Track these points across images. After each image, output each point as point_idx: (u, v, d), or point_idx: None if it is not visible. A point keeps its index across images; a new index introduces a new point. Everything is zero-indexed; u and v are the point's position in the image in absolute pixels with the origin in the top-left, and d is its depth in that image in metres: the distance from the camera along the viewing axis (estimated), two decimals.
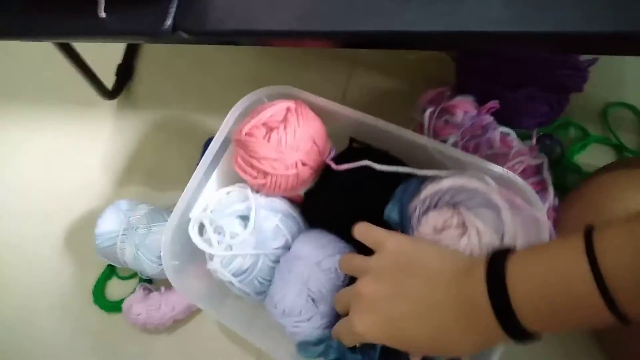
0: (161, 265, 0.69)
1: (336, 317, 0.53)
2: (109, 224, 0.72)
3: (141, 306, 0.71)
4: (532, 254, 0.36)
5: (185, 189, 0.59)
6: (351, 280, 0.53)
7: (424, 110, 0.64)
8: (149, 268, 0.70)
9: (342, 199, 0.57)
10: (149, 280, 0.78)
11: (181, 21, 0.46)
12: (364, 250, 0.57)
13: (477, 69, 0.64)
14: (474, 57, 0.64)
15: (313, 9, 0.42)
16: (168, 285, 0.74)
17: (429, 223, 0.48)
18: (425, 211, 0.50)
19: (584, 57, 0.63)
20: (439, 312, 0.39)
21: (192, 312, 0.74)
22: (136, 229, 0.70)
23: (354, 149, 0.62)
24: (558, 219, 0.58)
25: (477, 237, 0.46)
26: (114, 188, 0.86)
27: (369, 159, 0.56)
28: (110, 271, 0.80)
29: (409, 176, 0.57)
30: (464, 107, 0.61)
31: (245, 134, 0.55)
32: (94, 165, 0.88)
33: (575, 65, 0.62)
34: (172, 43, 0.49)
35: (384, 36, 0.41)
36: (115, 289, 0.80)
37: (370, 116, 0.55)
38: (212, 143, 0.59)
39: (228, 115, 0.58)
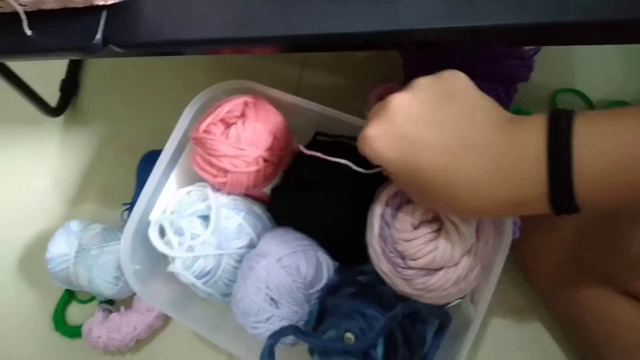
0: (118, 285, 0.67)
1: (298, 318, 0.52)
2: (59, 248, 0.69)
3: (101, 329, 0.69)
4: (606, 118, 0.31)
5: (143, 191, 0.57)
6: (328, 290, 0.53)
7: (373, 107, 0.64)
8: (106, 289, 0.68)
9: (307, 196, 0.56)
10: (110, 301, 0.75)
11: (112, 34, 0.45)
12: (332, 248, 0.57)
13: (424, 63, 0.64)
14: (420, 52, 0.64)
15: (247, 16, 0.41)
16: (129, 305, 0.72)
17: (406, 219, 0.47)
18: (399, 206, 0.49)
19: (529, 47, 0.63)
20: (473, 153, 0.33)
21: (155, 330, 0.72)
22: (88, 250, 0.68)
23: (319, 141, 0.60)
24: None
25: (455, 230, 0.46)
26: (67, 208, 0.83)
27: (337, 152, 0.57)
28: (69, 296, 0.78)
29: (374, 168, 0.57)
30: None
31: (203, 132, 0.54)
32: (44, 186, 0.85)
33: (520, 55, 0.63)
34: (105, 57, 0.47)
35: (320, 39, 0.40)
36: (76, 313, 0.78)
37: (332, 109, 0.54)
38: (169, 142, 0.57)
39: (184, 112, 0.57)
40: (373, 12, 0.39)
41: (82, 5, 0.44)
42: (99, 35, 0.45)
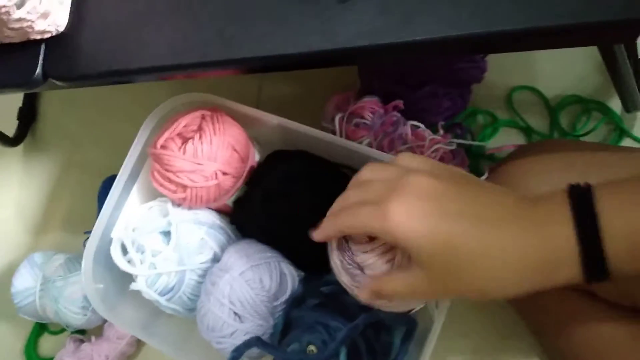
0: (86, 315, 0.67)
1: (263, 332, 0.52)
2: (24, 282, 0.68)
3: (72, 359, 0.68)
4: (623, 191, 0.32)
5: (103, 209, 0.56)
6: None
7: (332, 118, 0.64)
8: (74, 320, 0.67)
9: (269, 207, 0.56)
10: (81, 331, 0.74)
11: (51, 68, 0.44)
12: (297, 258, 0.57)
13: (379, 71, 0.65)
14: None
15: (183, 42, 0.41)
16: (99, 334, 0.71)
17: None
18: None
19: None
20: (506, 224, 0.33)
21: (127, 357, 0.71)
22: (53, 282, 0.67)
23: (280, 151, 0.60)
24: None
25: None
26: (30, 238, 0.82)
27: (296, 161, 0.57)
28: (40, 328, 0.77)
29: (335, 179, 0.58)
30: (371, 107, 0.62)
31: (160, 147, 0.53)
32: (7, 218, 0.83)
33: (472, 58, 0.63)
34: (47, 90, 0.47)
35: (259, 61, 0.40)
36: (49, 344, 0.77)
37: (290, 121, 0.54)
38: (128, 157, 0.57)
39: (141, 128, 0.56)
40: (307, 32, 0.39)
41: (18, 41, 0.44)
42: (38, 70, 0.44)
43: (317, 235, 0.42)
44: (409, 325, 0.52)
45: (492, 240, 0.33)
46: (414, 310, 0.52)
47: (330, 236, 0.43)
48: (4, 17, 0.40)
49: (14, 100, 0.86)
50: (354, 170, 0.59)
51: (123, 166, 0.57)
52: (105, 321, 0.71)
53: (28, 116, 0.86)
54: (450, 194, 0.35)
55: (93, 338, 0.71)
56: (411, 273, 0.37)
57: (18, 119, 0.85)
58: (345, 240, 0.48)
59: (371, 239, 0.47)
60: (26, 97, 0.87)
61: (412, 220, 0.34)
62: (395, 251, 0.46)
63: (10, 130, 0.84)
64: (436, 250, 0.33)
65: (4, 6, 0.38)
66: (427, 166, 0.38)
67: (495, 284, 0.33)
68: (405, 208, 0.34)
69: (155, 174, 0.55)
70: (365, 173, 0.41)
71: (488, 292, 0.34)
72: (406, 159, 0.39)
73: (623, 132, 0.69)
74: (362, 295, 0.42)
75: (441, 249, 0.33)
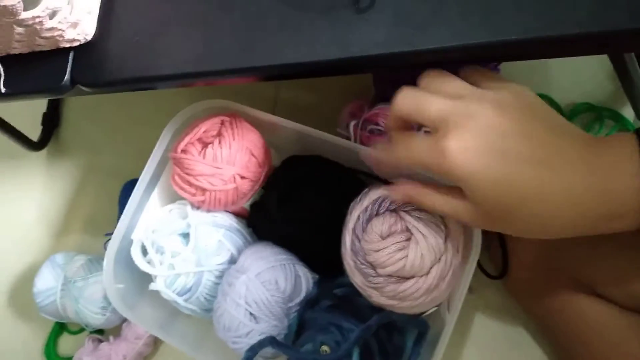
0: (105, 315, 0.68)
1: (278, 332, 0.53)
2: (45, 282, 0.70)
3: (91, 359, 0.70)
4: None
5: (124, 211, 0.58)
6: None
7: (347, 124, 0.65)
8: (94, 320, 0.68)
9: (285, 210, 0.57)
10: (100, 331, 0.76)
11: (79, 75, 0.46)
12: (312, 261, 0.58)
13: (394, 79, 0.66)
14: None
15: (205, 51, 0.43)
16: (118, 334, 0.73)
17: (374, 231, 0.49)
18: (369, 219, 0.50)
19: None
20: (568, 165, 0.32)
21: (145, 358, 0.73)
22: (74, 282, 0.68)
23: (296, 157, 0.62)
24: None
25: (424, 240, 0.47)
26: (52, 240, 0.84)
27: (311, 166, 0.58)
28: (60, 328, 0.78)
29: (350, 184, 0.59)
30: (385, 114, 0.63)
31: (180, 152, 0.55)
32: (30, 220, 0.85)
33: (485, 65, 0.64)
34: (73, 96, 0.49)
35: (277, 69, 0.41)
36: (68, 344, 0.78)
37: (306, 127, 0.56)
38: (149, 161, 0.59)
39: (162, 133, 0.58)
40: (325, 41, 0.40)
41: (48, 49, 0.46)
42: (67, 77, 0.46)
43: (376, 162, 0.42)
44: (421, 328, 0.53)
45: (553, 186, 0.32)
46: (426, 313, 0.53)
47: (385, 165, 0.43)
48: (37, 27, 0.42)
49: (38, 106, 0.89)
50: (369, 176, 0.60)
51: (144, 170, 0.59)
52: (123, 321, 0.72)
53: (52, 121, 0.89)
54: (515, 134, 0.33)
55: (111, 338, 0.72)
56: (460, 200, 0.36)
57: (42, 124, 0.88)
58: (357, 240, 0.49)
59: (383, 237, 0.48)
60: (50, 103, 0.90)
61: (470, 160, 0.33)
62: (407, 249, 0.47)
63: (34, 134, 0.86)
64: (496, 190, 0.33)
65: (38, 17, 0.40)
66: (496, 94, 0.35)
67: (553, 222, 0.33)
68: (464, 145, 0.33)
69: (176, 177, 0.57)
70: (428, 80, 0.39)
71: (547, 230, 0.34)
72: (475, 75, 0.37)
73: None
74: (395, 193, 0.41)
75: (502, 189, 0.33)
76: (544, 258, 0.53)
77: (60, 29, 0.44)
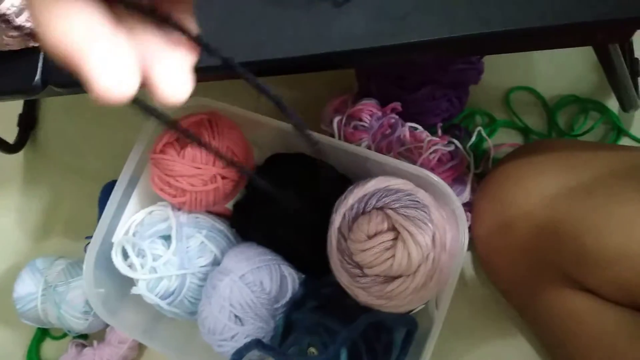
0: (87, 320, 0.67)
1: (264, 334, 0.52)
2: (26, 287, 0.68)
3: None
4: None
5: (103, 214, 0.56)
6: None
7: (331, 120, 0.64)
8: (76, 324, 0.67)
9: (269, 210, 0.56)
10: (83, 336, 0.74)
11: (50, 75, 0.45)
12: (297, 260, 0.57)
13: (377, 74, 0.65)
14: None
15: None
16: (101, 339, 0.71)
17: (360, 230, 0.48)
18: (355, 217, 0.49)
19: None
20: None
21: None
22: (55, 287, 0.67)
23: (280, 155, 0.61)
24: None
25: (411, 238, 0.46)
26: (32, 244, 0.82)
27: (295, 164, 0.57)
28: (42, 333, 0.77)
29: (334, 181, 0.58)
30: (369, 109, 0.62)
31: (159, 152, 0.54)
32: (8, 225, 0.83)
33: (468, 59, 0.64)
34: (46, 96, 0.47)
35: (256, 65, 0.40)
36: (51, 350, 0.77)
37: (289, 124, 0.53)
38: (128, 162, 0.57)
39: (140, 134, 0.57)
40: (306, 34, 0.39)
41: (17, 48, 0.44)
42: (37, 77, 0.45)
43: None
44: (410, 326, 0.52)
45: None
46: (414, 311, 0.52)
47: None
48: (3, 25, 0.40)
49: (14, 107, 0.87)
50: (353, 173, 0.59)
51: (123, 171, 0.57)
52: (107, 326, 0.71)
53: (28, 123, 0.87)
54: None
55: (95, 343, 0.71)
56: None
57: (18, 125, 0.86)
58: (343, 239, 0.48)
59: (369, 237, 0.47)
60: (26, 103, 0.87)
61: None
62: (394, 249, 0.46)
63: (10, 136, 0.84)
64: None
65: (4, 14, 0.39)
66: None
67: None
68: None
69: (155, 178, 0.55)
70: None
71: None
72: None
73: (621, 131, 0.69)
74: None
75: None
76: (530, 255, 0.53)
77: (29, 27, 0.42)
